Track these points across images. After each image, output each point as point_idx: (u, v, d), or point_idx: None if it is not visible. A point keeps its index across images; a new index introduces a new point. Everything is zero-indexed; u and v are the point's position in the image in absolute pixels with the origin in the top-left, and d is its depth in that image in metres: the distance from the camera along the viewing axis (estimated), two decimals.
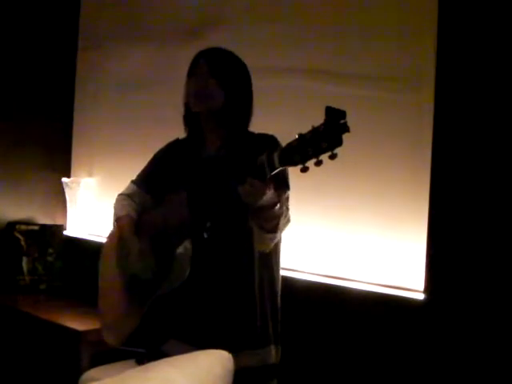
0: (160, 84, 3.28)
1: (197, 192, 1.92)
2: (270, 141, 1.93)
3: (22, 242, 3.50)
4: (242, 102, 1.99)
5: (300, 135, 1.52)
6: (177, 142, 2.13)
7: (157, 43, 3.33)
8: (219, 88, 1.95)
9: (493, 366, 2.05)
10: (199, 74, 1.98)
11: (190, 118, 2.06)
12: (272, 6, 2.82)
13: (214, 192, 1.80)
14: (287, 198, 1.89)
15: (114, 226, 2.11)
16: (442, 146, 2.20)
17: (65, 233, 3.66)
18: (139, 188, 2.12)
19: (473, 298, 2.10)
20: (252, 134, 2.02)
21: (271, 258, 1.98)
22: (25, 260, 3.49)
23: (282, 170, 1.60)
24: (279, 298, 2.05)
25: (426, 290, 2.23)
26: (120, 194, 2.14)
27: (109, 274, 2.10)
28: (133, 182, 2.15)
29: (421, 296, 2.24)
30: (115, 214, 2.10)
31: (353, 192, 2.48)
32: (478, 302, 2.09)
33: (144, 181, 2.13)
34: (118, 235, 2.07)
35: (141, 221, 2.06)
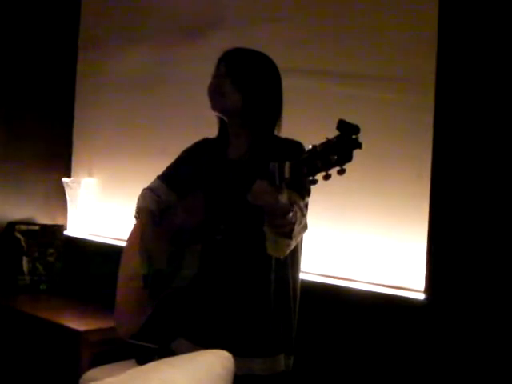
0: (160, 84, 3.28)
1: (214, 194, 1.93)
2: (294, 148, 1.89)
3: (23, 242, 3.50)
4: (262, 102, 1.95)
5: (312, 146, 1.49)
6: (205, 141, 2.13)
7: (157, 43, 3.33)
8: (234, 87, 1.93)
9: (493, 365, 2.05)
10: (217, 76, 1.97)
11: (220, 120, 2.05)
12: (272, 6, 2.82)
13: (231, 195, 1.79)
14: (306, 205, 1.85)
15: (136, 218, 2.13)
16: (443, 146, 2.20)
17: (65, 233, 3.66)
18: (163, 183, 2.12)
19: (473, 297, 2.10)
20: (278, 138, 1.99)
21: (288, 263, 1.94)
22: (25, 260, 3.49)
23: (305, 178, 1.55)
24: (297, 306, 2.01)
25: (426, 290, 2.23)
26: (144, 188, 2.15)
27: (128, 265, 2.12)
28: (158, 176, 2.15)
29: (421, 296, 2.24)
30: (136, 207, 2.13)
31: (353, 192, 2.48)
32: (478, 302, 2.09)
33: (169, 177, 2.13)
34: (139, 227, 2.10)
35: (164, 216, 2.07)
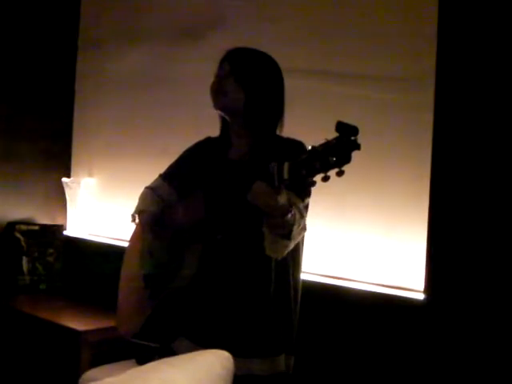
0: (160, 84, 3.28)
1: (215, 194, 1.93)
2: (295, 147, 1.88)
3: (22, 242, 3.50)
4: (264, 102, 1.95)
5: (312, 147, 1.48)
6: (207, 140, 2.12)
7: (157, 43, 3.33)
8: (237, 86, 1.93)
9: (493, 365, 2.05)
10: (220, 74, 1.97)
11: (222, 119, 2.05)
12: (272, 6, 2.82)
13: (231, 195, 1.79)
14: (306, 207, 1.85)
15: (134, 218, 2.13)
16: (442, 146, 2.20)
17: (65, 233, 3.66)
18: (165, 182, 2.12)
19: (473, 297, 2.10)
20: (280, 138, 1.98)
21: (289, 263, 1.94)
22: (25, 260, 3.49)
23: (304, 180, 1.55)
24: (298, 306, 2.00)
25: (426, 290, 2.23)
26: (146, 188, 2.15)
27: (129, 265, 2.13)
28: (161, 175, 2.15)
29: (421, 296, 2.25)
30: (137, 207, 2.12)
31: (353, 192, 2.48)
32: (478, 302, 2.09)
33: (170, 175, 2.13)
34: (140, 228, 2.11)
35: (164, 215, 2.08)
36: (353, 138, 1.42)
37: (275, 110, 1.99)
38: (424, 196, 2.24)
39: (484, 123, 2.11)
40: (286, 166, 1.55)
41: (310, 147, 1.49)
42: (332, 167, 1.44)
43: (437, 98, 2.22)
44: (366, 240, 2.46)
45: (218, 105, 1.97)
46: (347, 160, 1.42)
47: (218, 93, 1.96)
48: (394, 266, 2.38)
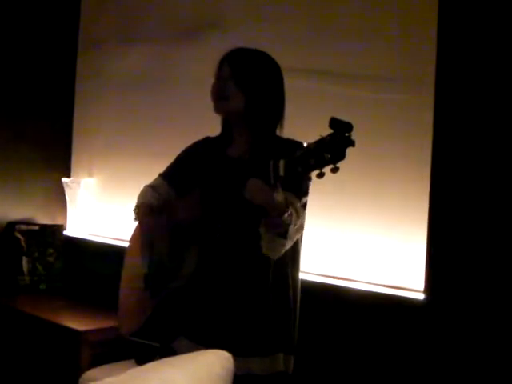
0: (160, 84, 3.28)
1: (212, 191, 1.94)
2: (294, 148, 1.90)
3: (22, 242, 3.50)
4: (264, 103, 1.95)
5: (307, 145, 1.49)
6: (206, 139, 2.13)
7: (156, 43, 3.33)
8: (237, 89, 1.93)
9: (493, 365, 2.05)
10: (220, 77, 1.97)
11: (223, 118, 2.06)
12: (272, 6, 2.82)
13: (229, 193, 1.79)
14: (304, 206, 1.85)
15: (135, 212, 2.13)
16: (442, 146, 2.20)
17: (65, 233, 3.66)
18: (165, 181, 2.12)
19: (473, 297, 2.10)
20: (280, 138, 1.99)
21: (287, 262, 1.94)
22: (25, 260, 3.49)
23: (300, 177, 1.56)
24: (297, 305, 2.00)
25: (426, 290, 2.23)
26: (145, 185, 2.16)
27: (130, 266, 2.13)
28: (160, 174, 2.16)
29: (421, 296, 2.25)
30: (136, 203, 2.12)
31: (353, 192, 2.48)
32: (478, 302, 2.09)
33: (170, 174, 2.14)
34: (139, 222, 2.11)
35: (163, 214, 2.08)
36: (347, 134, 1.42)
37: (275, 111, 1.99)
38: (424, 196, 2.24)
39: (484, 123, 2.11)
40: (281, 163, 1.55)
41: (305, 144, 1.49)
42: (327, 164, 1.44)
43: (437, 98, 2.22)
44: (365, 240, 2.46)
45: (218, 109, 1.98)
46: (342, 156, 1.43)
47: (219, 98, 1.96)
48: (394, 265, 2.38)
